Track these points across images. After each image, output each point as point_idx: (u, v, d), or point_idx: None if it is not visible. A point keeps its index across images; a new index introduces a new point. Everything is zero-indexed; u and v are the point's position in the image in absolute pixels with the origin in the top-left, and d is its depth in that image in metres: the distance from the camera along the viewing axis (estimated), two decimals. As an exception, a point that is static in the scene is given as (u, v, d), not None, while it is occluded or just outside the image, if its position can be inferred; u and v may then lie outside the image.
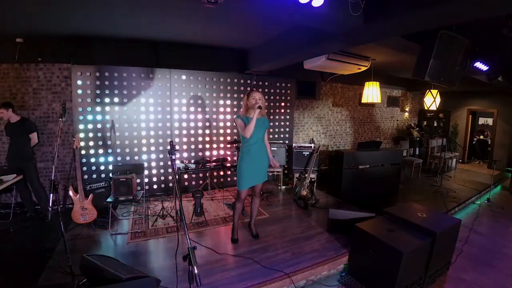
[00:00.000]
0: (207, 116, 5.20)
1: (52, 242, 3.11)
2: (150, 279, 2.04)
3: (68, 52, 4.12)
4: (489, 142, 8.83)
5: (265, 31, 3.90)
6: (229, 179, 5.55)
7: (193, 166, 4.56)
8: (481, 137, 9.28)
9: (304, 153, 5.37)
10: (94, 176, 4.48)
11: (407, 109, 8.72)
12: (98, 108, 4.39)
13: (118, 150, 4.59)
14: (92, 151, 4.43)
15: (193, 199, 3.95)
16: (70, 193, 3.34)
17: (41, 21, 3.39)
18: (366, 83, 6.18)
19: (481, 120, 10.46)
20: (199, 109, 5.11)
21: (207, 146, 5.27)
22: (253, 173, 3.09)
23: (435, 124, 8.70)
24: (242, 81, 5.43)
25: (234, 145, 4.96)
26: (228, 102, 5.34)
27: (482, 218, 4.45)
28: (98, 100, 4.36)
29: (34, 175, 3.98)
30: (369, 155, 5.01)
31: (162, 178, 4.97)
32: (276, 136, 6.03)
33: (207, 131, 5.23)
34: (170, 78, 4.81)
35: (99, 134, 4.45)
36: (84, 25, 3.60)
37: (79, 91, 4.25)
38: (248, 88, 5.47)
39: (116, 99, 4.48)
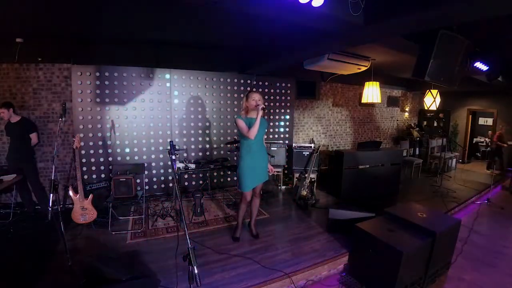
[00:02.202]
0: (207, 116, 5.20)
1: (52, 242, 3.11)
2: (150, 279, 2.05)
3: (68, 52, 4.12)
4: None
5: (265, 31, 3.89)
6: (229, 179, 5.54)
7: (193, 166, 4.56)
8: (505, 144, 7.25)
9: (304, 153, 5.37)
10: (94, 176, 4.48)
11: (407, 109, 8.72)
12: (98, 108, 4.39)
13: (118, 150, 4.59)
14: (92, 151, 4.43)
15: (193, 199, 3.94)
16: (70, 193, 3.33)
17: (41, 21, 3.39)
18: (366, 83, 6.18)
19: (481, 120, 10.46)
20: (199, 109, 5.11)
21: (207, 146, 5.27)
22: (255, 174, 3.09)
23: (435, 124, 8.70)
24: (242, 81, 5.43)
25: (234, 145, 4.95)
26: (228, 102, 5.34)
27: (482, 218, 4.45)
28: (98, 100, 4.37)
29: (34, 175, 3.98)
30: (369, 155, 5.01)
31: (162, 178, 4.97)
32: (276, 136, 6.03)
33: (207, 131, 5.23)
34: (170, 78, 4.81)
35: (99, 134, 4.45)
36: (84, 25, 3.60)
37: (79, 91, 4.25)
38: (248, 88, 5.47)
39: (116, 99, 4.48)
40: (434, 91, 6.62)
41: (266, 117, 3.28)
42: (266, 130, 3.22)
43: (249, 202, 3.21)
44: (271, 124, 5.91)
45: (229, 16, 3.26)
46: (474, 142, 9.95)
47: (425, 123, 9.06)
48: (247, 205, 3.26)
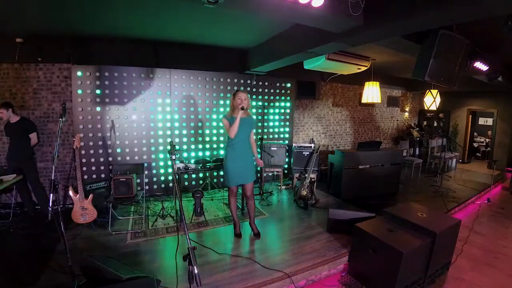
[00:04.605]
0: (207, 116, 5.20)
1: (52, 242, 3.11)
2: (150, 279, 2.05)
3: (68, 52, 4.12)
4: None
5: (265, 31, 3.90)
6: (229, 179, 5.54)
7: (193, 166, 4.56)
8: None
9: (304, 153, 5.37)
10: (94, 176, 4.48)
11: (407, 109, 8.72)
12: (98, 108, 4.39)
13: (118, 150, 4.59)
14: (92, 151, 4.43)
15: (193, 199, 3.94)
16: (70, 193, 3.33)
17: (41, 21, 3.39)
18: (366, 83, 6.18)
19: (481, 120, 10.47)
20: (199, 109, 5.11)
21: (207, 146, 5.27)
22: (239, 172, 3.19)
23: (435, 124, 8.70)
24: (242, 81, 5.43)
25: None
26: (228, 102, 5.33)
27: (482, 218, 4.45)
28: (98, 100, 4.36)
29: (34, 175, 3.97)
30: (369, 155, 5.01)
31: (162, 178, 4.97)
32: (276, 136, 6.03)
33: (207, 131, 5.23)
34: (170, 78, 4.81)
35: (99, 134, 4.45)
36: (84, 25, 3.60)
37: (79, 91, 4.25)
38: (248, 88, 5.47)
39: (116, 99, 4.48)
40: (434, 91, 6.62)
41: (252, 116, 3.39)
42: (253, 130, 3.33)
43: (235, 194, 3.35)
44: (271, 124, 5.91)
45: (229, 15, 3.27)
46: (475, 145, 9.95)
47: (425, 123, 9.06)
48: (236, 198, 3.41)
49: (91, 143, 4.40)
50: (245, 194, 3.36)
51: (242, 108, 3.02)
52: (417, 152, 8.19)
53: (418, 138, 8.09)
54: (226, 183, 3.27)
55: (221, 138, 5.34)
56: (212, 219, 3.93)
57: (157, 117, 4.78)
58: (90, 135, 4.39)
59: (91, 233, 3.46)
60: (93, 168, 4.47)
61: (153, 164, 4.87)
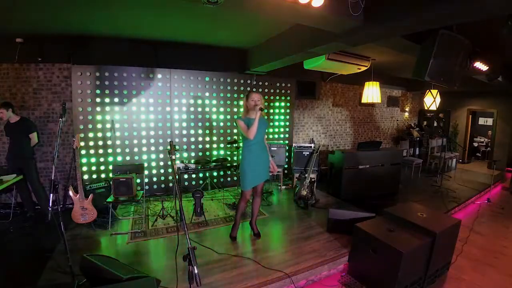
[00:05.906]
0: (207, 116, 5.20)
1: (52, 242, 3.11)
2: (150, 279, 2.04)
3: (68, 52, 4.12)
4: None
5: (265, 31, 3.90)
6: (229, 179, 5.54)
7: (193, 166, 4.57)
8: None
9: (304, 153, 5.37)
10: (94, 176, 4.48)
11: (407, 109, 8.72)
12: (98, 108, 4.39)
13: (118, 150, 4.59)
14: (92, 151, 4.43)
15: (193, 199, 3.94)
16: (70, 193, 3.33)
17: (41, 21, 3.39)
18: (366, 83, 6.18)
19: (481, 120, 10.47)
20: (199, 109, 5.11)
21: (207, 146, 5.27)
22: (256, 173, 3.13)
23: (435, 124, 8.70)
24: (242, 81, 5.43)
25: (234, 145, 4.96)
26: (228, 102, 5.34)
27: (482, 218, 4.45)
28: (98, 100, 4.37)
29: (34, 175, 3.97)
30: (369, 155, 5.01)
31: (162, 178, 4.97)
32: (276, 136, 6.03)
33: (207, 131, 5.23)
34: (170, 78, 4.81)
35: (99, 134, 4.45)
36: (84, 25, 3.60)
37: (79, 91, 4.25)
38: (248, 88, 5.47)
39: (116, 99, 4.48)
40: (434, 91, 6.62)
41: (266, 117, 3.31)
42: (266, 130, 3.24)
43: (248, 200, 3.26)
44: (271, 124, 5.91)
45: (230, 15, 3.27)
46: (475, 145, 9.94)
47: (425, 123, 9.06)
48: (246, 204, 3.30)
49: (91, 143, 4.40)
50: (255, 191, 3.27)
51: (261, 109, 2.94)
52: (417, 152, 8.19)
53: (418, 138, 8.09)
54: (243, 186, 3.15)
55: (221, 138, 5.35)
56: (212, 219, 3.93)
57: (157, 117, 4.78)
58: (90, 135, 4.39)
59: (91, 233, 3.46)
60: (93, 168, 4.47)
61: (153, 164, 4.87)
